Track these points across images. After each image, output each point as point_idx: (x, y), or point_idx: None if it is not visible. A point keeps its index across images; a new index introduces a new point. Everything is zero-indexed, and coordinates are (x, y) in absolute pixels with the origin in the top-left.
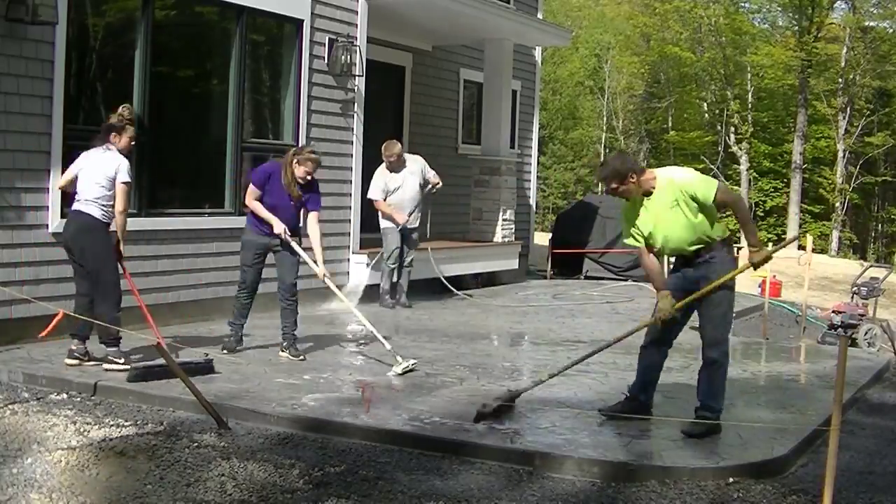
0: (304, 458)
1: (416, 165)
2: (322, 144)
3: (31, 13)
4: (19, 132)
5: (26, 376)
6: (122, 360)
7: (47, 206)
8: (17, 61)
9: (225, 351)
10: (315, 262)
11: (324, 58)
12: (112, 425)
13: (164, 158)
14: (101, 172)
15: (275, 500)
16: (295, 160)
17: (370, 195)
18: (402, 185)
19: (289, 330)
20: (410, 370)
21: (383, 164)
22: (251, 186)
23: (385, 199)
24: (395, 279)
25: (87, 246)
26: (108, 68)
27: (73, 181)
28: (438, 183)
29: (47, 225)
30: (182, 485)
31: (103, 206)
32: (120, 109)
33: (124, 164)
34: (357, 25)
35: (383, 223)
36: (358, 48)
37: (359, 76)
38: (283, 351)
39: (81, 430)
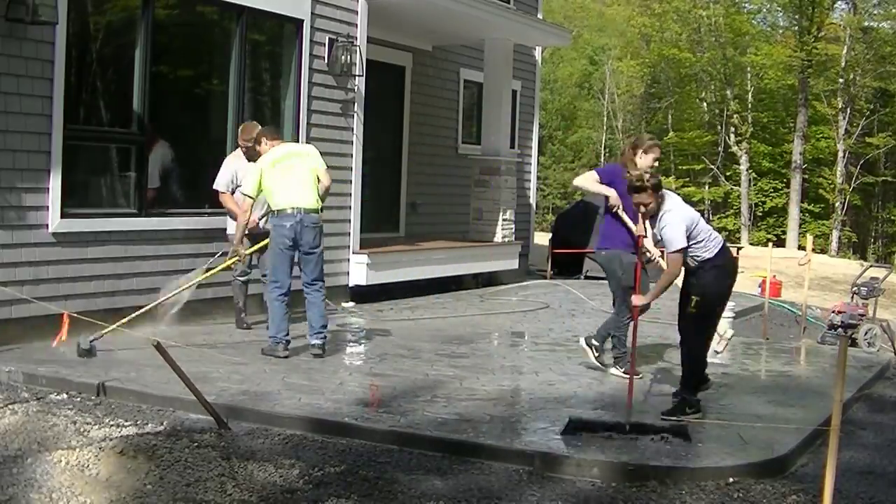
0: (304, 458)
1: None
2: (322, 144)
3: (31, 13)
4: (19, 132)
5: (26, 376)
6: None
7: (47, 206)
8: (17, 61)
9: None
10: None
11: (324, 58)
12: (112, 425)
13: (164, 158)
14: None
15: (275, 500)
16: (637, 151)
17: (216, 185)
18: None
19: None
20: None
21: (238, 150)
22: (592, 171)
23: (233, 193)
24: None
25: None
26: (108, 68)
27: None
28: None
29: (47, 225)
30: (182, 485)
31: None
32: None
33: None
34: (357, 25)
35: (230, 227)
36: (358, 48)
37: (359, 76)
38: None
39: (81, 430)
